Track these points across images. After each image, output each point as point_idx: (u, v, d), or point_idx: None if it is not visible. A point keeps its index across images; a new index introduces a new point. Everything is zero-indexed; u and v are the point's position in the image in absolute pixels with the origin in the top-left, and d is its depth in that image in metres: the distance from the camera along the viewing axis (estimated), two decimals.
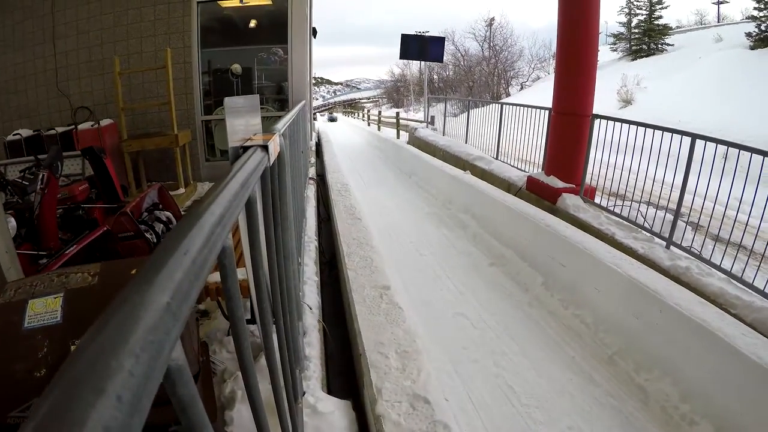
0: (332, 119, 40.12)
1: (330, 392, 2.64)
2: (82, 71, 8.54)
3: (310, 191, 6.44)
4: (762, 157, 4.01)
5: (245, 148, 1.25)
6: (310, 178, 7.15)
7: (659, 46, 26.61)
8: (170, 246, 0.54)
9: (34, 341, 1.85)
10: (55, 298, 1.96)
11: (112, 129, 7.65)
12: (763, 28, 19.13)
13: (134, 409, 0.34)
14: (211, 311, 3.55)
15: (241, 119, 1.40)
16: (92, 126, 7.45)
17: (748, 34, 19.74)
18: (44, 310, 1.92)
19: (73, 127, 7.40)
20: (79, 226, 4.58)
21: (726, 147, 4.39)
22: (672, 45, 26.21)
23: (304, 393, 2.29)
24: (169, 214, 4.70)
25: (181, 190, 7.38)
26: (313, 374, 2.56)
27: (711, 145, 4.51)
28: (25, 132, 7.50)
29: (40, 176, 4.06)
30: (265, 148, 1.28)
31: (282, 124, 2.02)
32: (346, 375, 3.26)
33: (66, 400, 0.31)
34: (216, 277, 2.80)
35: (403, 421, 2.11)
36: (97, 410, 0.31)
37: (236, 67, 8.79)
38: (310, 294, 3.47)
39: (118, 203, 5.01)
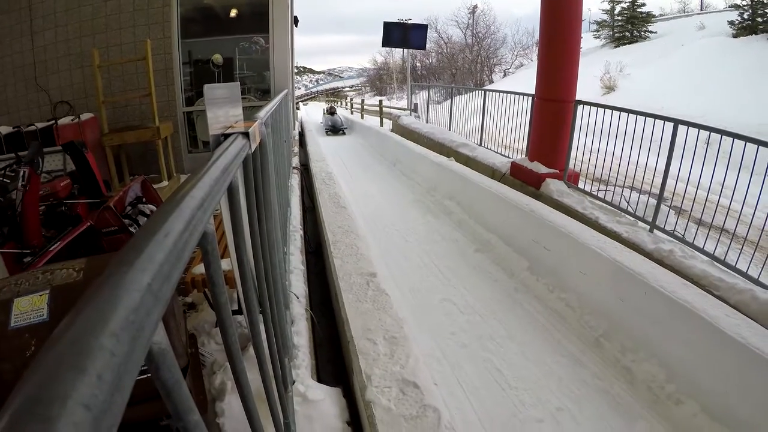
0: (335, 127, 17.98)
1: (320, 380, 2.65)
2: (61, 65, 8.40)
3: (294, 181, 6.42)
4: (744, 142, 4.06)
5: (226, 135, 1.24)
6: (294, 168, 7.12)
7: (642, 33, 26.64)
8: (151, 228, 0.54)
9: (21, 340, 1.83)
10: (40, 295, 1.95)
11: (92, 123, 7.54)
12: (745, 16, 19.21)
13: (115, 388, 0.34)
14: (198, 303, 3.54)
15: (222, 107, 1.39)
16: (72, 120, 7.34)
17: (731, 23, 19.81)
18: (30, 308, 1.90)
19: (53, 122, 7.28)
20: (63, 222, 4.52)
21: (708, 132, 4.44)
22: (655, 32, 26.25)
23: (293, 381, 2.30)
24: (153, 207, 4.67)
25: (165, 183, 7.32)
26: (302, 363, 2.57)
27: (693, 131, 4.54)
28: (5, 129, 7.35)
29: (21, 173, 4.00)
30: (246, 135, 1.28)
31: (264, 113, 2.00)
32: (335, 363, 3.27)
33: (47, 380, 0.31)
34: (202, 269, 2.80)
35: (393, 407, 2.13)
36: (78, 389, 0.31)
37: (217, 58, 8.70)
38: (297, 283, 3.47)
39: (101, 198, 4.95)
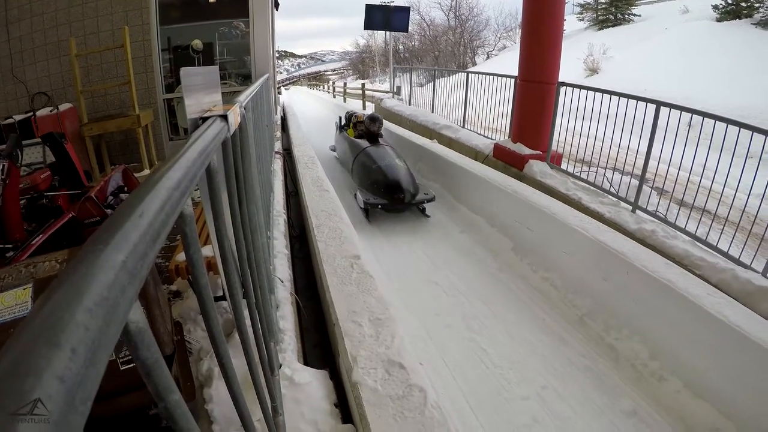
0: (399, 190, 5.98)
1: (307, 363, 2.67)
2: (38, 55, 8.21)
3: (277, 165, 6.37)
4: (725, 124, 4.10)
5: (204, 119, 1.23)
6: (277, 152, 7.07)
7: (626, 16, 26.65)
8: (126, 209, 0.54)
9: (6, 335, 1.82)
10: (24, 289, 1.94)
11: (71, 113, 7.41)
12: (729, 1, 19.34)
13: (89, 362, 0.35)
14: (183, 291, 3.53)
15: (200, 92, 1.37)
16: (51, 111, 7.21)
17: (715, 7, 19.92)
18: (14, 302, 1.89)
19: (31, 114, 7.14)
20: (44, 215, 4.47)
21: (690, 115, 4.47)
22: (639, 15, 26.29)
23: (280, 365, 2.30)
24: None
25: (146, 171, 7.24)
26: (289, 346, 2.58)
27: (675, 113, 4.56)
28: None
29: (0, 167, 3.94)
30: (224, 118, 1.27)
31: (244, 97, 1.99)
32: (322, 346, 3.29)
33: (22, 354, 0.32)
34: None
35: (380, 387, 2.14)
36: (52, 363, 0.32)
37: (197, 43, 8.55)
38: (281, 268, 3.46)
39: (82, 189, 4.90)
